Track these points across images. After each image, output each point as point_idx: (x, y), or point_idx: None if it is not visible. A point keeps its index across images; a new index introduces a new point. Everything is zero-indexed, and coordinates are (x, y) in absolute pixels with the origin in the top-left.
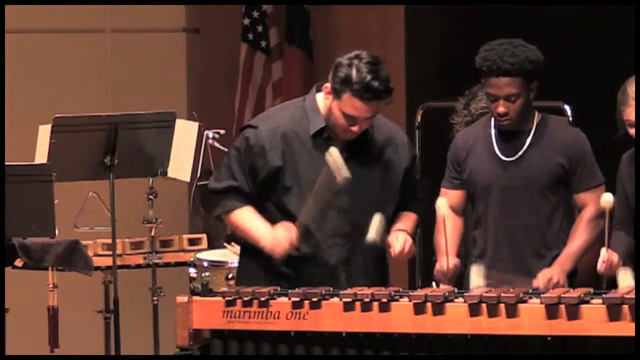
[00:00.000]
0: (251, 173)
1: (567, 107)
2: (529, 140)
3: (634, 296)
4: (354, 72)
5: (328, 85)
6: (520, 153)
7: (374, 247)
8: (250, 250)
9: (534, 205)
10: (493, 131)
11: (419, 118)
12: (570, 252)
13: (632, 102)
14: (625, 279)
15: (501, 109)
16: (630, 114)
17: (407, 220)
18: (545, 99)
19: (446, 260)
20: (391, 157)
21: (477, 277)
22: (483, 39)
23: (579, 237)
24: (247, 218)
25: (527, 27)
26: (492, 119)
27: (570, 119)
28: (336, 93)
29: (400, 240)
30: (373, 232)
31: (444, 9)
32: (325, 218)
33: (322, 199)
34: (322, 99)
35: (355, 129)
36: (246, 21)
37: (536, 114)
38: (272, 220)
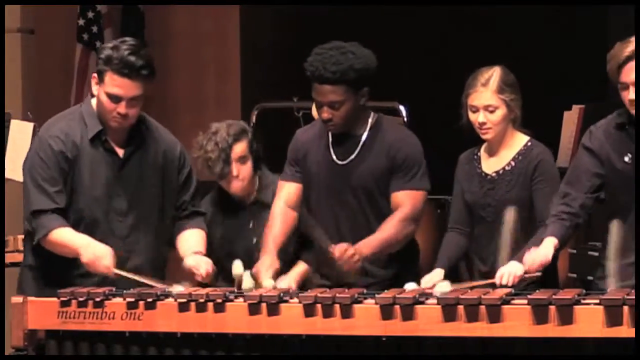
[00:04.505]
0: (52, 185)
1: (402, 108)
2: (360, 144)
3: (469, 297)
4: (114, 52)
5: (95, 74)
6: (351, 157)
7: (153, 246)
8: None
9: (362, 209)
10: (330, 133)
11: (253, 119)
12: (372, 239)
13: (481, 88)
14: (444, 285)
15: (325, 115)
16: (474, 99)
17: (200, 240)
18: (381, 100)
19: (268, 260)
20: (166, 158)
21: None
22: (319, 40)
23: (385, 231)
24: (64, 234)
25: (363, 28)
26: None
27: (405, 119)
28: (100, 76)
29: (203, 266)
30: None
31: (279, 9)
32: (105, 220)
33: None
34: (96, 103)
35: (121, 109)
36: (81, 22)
37: (372, 115)
38: None
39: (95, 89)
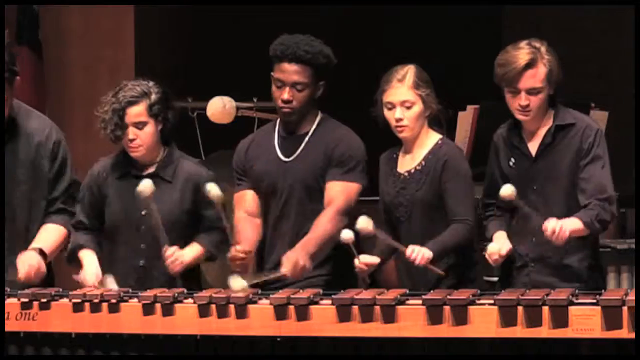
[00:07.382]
0: None
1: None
2: (305, 142)
3: (363, 297)
4: None
5: None
6: (296, 153)
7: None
8: None
9: (303, 206)
10: (277, 134)
11: None
12: (314, 236)
13: (397, 84)
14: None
15: (286, 95)
16: (390, 95)
17: (51, 236)
18: None
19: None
20: (38, 152)
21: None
22: (215, 40)
23: (321, 226)
24: None
25: (263, 27)
26: (277, 125)
27: None
28: None
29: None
30: None
31: (173, 9)
32: None
33: None
34: None
35: None
36: None
37: (319, 114)
38: None
39: None
